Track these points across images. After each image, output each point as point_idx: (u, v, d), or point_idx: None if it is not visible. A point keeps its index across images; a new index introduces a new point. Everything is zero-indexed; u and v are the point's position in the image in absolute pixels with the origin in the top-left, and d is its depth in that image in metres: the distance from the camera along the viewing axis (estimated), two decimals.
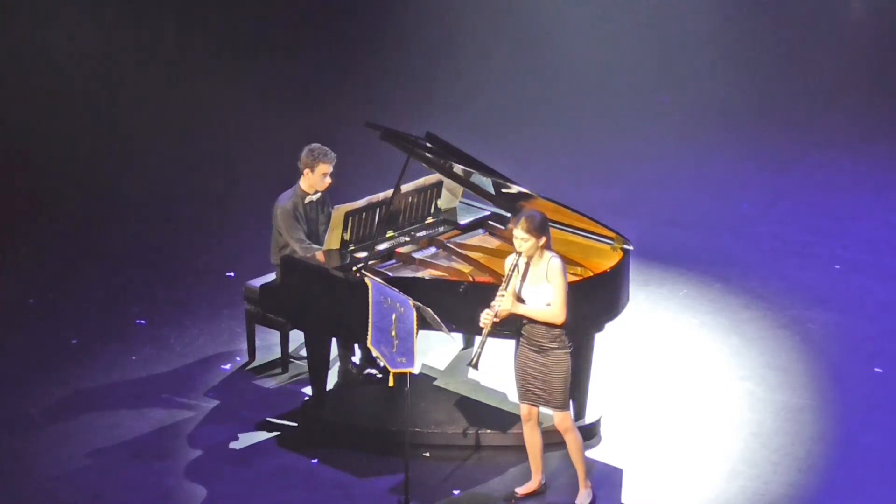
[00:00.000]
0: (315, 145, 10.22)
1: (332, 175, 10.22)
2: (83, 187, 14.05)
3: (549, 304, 8.68)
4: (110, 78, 16.06)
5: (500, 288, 8.75)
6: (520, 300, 8.76)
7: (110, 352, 10.97)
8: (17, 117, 15.34)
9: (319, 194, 10.26)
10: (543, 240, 8.68)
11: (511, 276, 8.74)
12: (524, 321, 8.78)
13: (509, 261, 8.79)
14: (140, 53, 16.45)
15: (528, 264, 8.75)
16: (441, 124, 11.43)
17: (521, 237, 8.65)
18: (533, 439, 9.03)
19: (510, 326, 8.91)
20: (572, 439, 8.95)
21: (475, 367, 8.78)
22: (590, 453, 9.55)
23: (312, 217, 10.25)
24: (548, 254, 8.73)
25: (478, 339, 8.83)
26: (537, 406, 8.92)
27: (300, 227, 10.11)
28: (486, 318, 8.72)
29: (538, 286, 8.70)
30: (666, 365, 10.70)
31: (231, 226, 13.18)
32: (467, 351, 10.72)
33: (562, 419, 8.89)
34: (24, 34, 16.31)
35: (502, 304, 8.69)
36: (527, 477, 9.22)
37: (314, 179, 10.18)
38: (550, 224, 9.58)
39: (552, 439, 9.25)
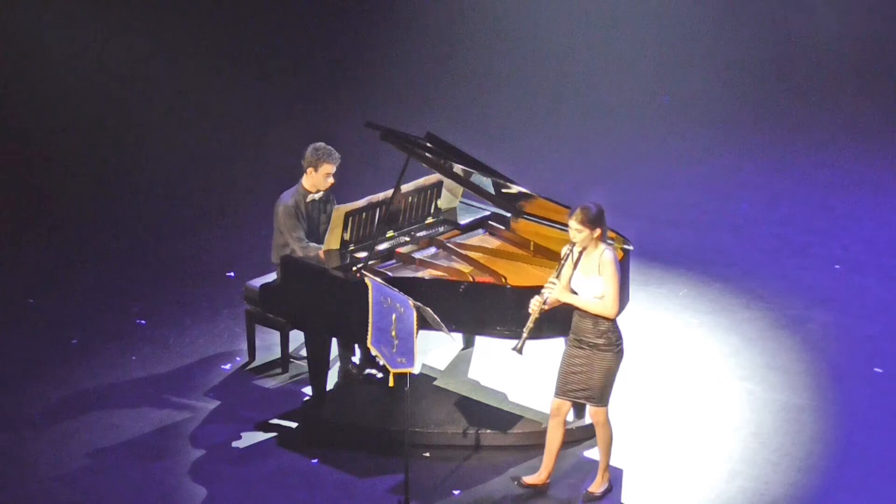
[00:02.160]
0: (320, 144, 10.22)
1: (333, 175, 10.23)
2: (83, 187, 14.05)
3: (600, 297, 8.69)
4: (110, 78, 16.06)
5: (551, 276, 8.76)
6: (571, 290, 8.77)
7: (110, 352, 10.97)
8: (18, 117, 15.34)
9: (322, 193, 10.26)
10: (598, 231, 8.69)
11: (563, 264, 8.75)
12: (574, 316, 8.79)
13: (564, 250, 8.80)
14: (140, 53, 16.45)
15: (581, 254, 8.76)
16: (441, 124, 11.45)
17: (576, 228, 8.67)
18: (555, 436, 9.01)
19: (556, 327, 8.91)
20: (602, 432, 8.98)
21: (520, 352, 8.78)
22: (590, 453, 9.55)
23: (314, 216, 10.25)
24: (602, 246, 8.73)
25: (524, 328, 8.80)
26: (572, 403, 8.92)
27: (300, 225, 10.11)
28: (534, 304, 8.74)
29: (590, 278, 8.71)
30: (666, 365, 10.70)
31: (231, 226, 13.19)
32: (467, 351, 10.73)
33: (597, 413, 8.91)
34: (25, 32, 16.31)
35: (552, 291, 8.71)
36: (529, 472, 9.20)
37: (317, 179, 10.18)
38: (550, 224, 9.63)
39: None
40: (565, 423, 9.02)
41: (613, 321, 8.76)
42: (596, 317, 8.73)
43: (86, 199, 13.81)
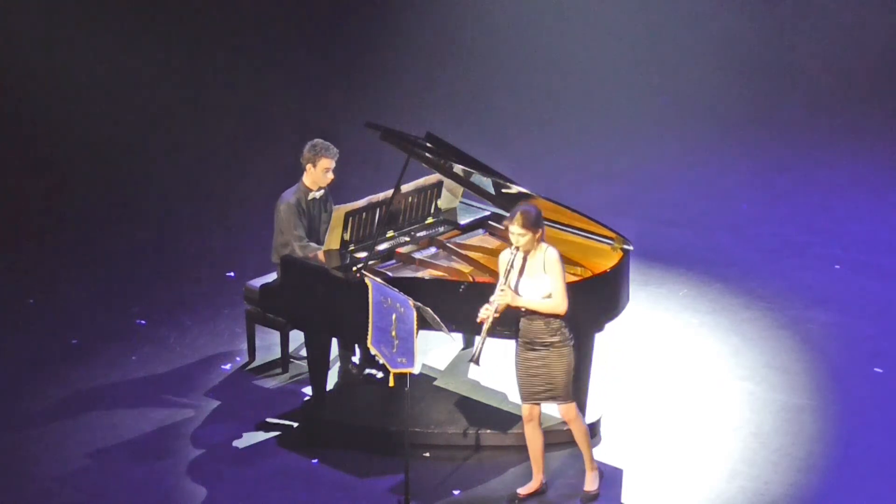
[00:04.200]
0: (317, 140, 10.23)
1: (333, 171, 10.23)
2: (83, 187, 14.05)
3: (548, 296, 8.70)
4: (110, 78, 16.05)
5: (499, 283, 8.76)
6: (518, 294, 8.77)
7: (110, 352, 10.97)
8: (18, 118, 15.34)
9: (322, 191, 10.26)
10: (539, 233, 8.72)
11: (509, 270, 8.76)
12: (521, 320, 8.79)
13: (504, 255, 8.81)
14: (139, 53, 16.44)
15: (524, 258, 8.77)
16: (441, 124, 11.44)
17: (518, 232, 8.67)
18: (534, 440, 9.04)
19: (510, 326, 8.93)
20: (577, 427, 8.99)
21: (476, 363, 8.79)
22: None
23: (315, 214, 10.25)
24: (543, 245, 8.77)
25: (478, 336, 8.84)
26: (539, 405, 8.92)
27: (301, 224, 10.11)
28: (484, 312, 8.75)
29: (535, 278, 8.73)
30: (666, 365, 10.70)
31: (231, 226, 13.19)
32: (467, 351, 10.72)
33: (566, 409, 8.91)
34: (27, 35, 16.31)
35: (501, 298, 8.71)
36: (527, 477, 9.22)
37: (316, 175, 10.18)
38: (550, 224, 9.60)
39: (553, 439, 9.25)
40: (540, 425, 9.01)
41: (564, 317, 8.76)
42: (547, 316, 8.74)
43: (86, 199, 13.81)
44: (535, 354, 8.82)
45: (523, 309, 8.78)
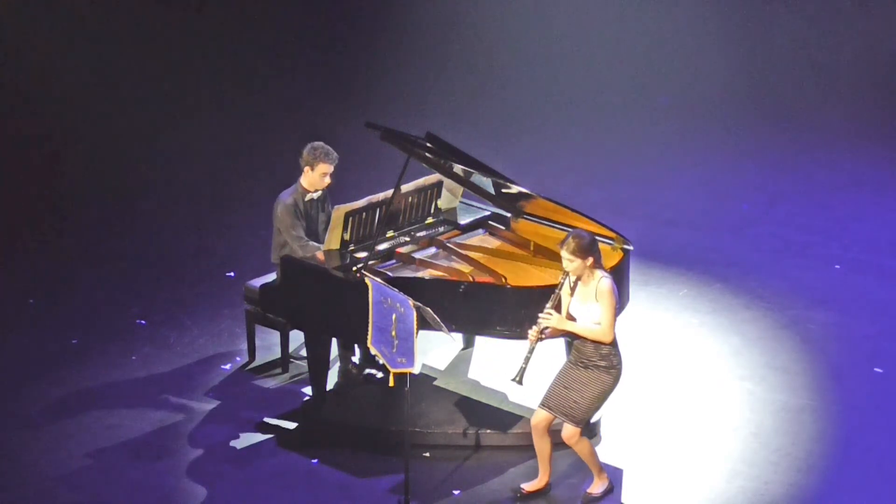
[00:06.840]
0: (318, 144, 10.21)
1: (332, 175, 10.22)
2: (83, 187, 14.05)
3: (598, 323, 8.70)
4: (109, 77, 16.06)
5: (547, 306, 8.76)
6: (569, 317, 8.78)
7: (110, 352, 10.97)
8: (18, 118, 15.34)
9: (320, 192, 10.26)
10: (590, 260, 8.68)
11: (559, 293, 8.76)
12: (575, 341, 8.81)
13: (560, 279, 8.81)
14: (139, 52, 16.45)
15: (577, 281, 8.76)
16: (441, 124, 11.44)
17: (568, 258, 8.67)
18: (542, 445, 9.02)
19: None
20: (581, 448, 8.96)
21: (519, 382, 8.80)
22: None
23: (313, 215, 10.25)
24: (598, 273, 8.73)
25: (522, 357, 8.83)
26: (554, 416, 8.90)
27: (300, 224, 10.11)
28: (531, 334, 8.76)
29: (587, 305, 8.72)
30: (666, 364, 10.70)
31: (231, 226, 13.19)
32: (467, 351, 10.73)
33: (571, 434, 8.87)
34: (25, 35, 16.32)
35: (549, 321, 8.72)
36: (528, 477, 9.21)
37: (314, 178, 10.18)
38: (550, 224, 9.60)
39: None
40: (548, 432, 9.00)
41: (614, 343, 8.78)
42: (597, 340, 8.75)
43: (86, 199, 13.81)
44: (581, 373, 8.81)
45: (571, 333, 8.79)
